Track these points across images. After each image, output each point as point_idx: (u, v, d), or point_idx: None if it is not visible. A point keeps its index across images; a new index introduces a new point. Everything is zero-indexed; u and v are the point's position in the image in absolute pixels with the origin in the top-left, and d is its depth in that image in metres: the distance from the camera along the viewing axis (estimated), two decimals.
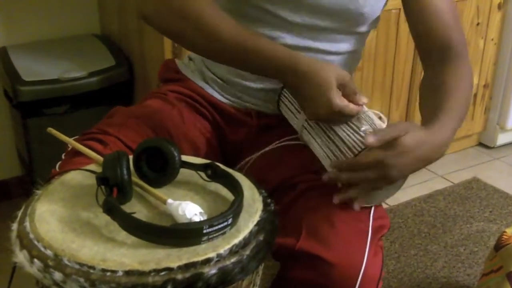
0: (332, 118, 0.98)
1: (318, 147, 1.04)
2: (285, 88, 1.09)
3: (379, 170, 0.93)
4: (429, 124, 0.98)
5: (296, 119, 1.09)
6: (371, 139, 0.91)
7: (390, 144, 0.92)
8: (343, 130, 0.99)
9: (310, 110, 0.99)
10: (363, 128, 0.98)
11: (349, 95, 0.97)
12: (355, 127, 0.99)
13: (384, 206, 1.10)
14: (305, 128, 1.07)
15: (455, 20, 1.13)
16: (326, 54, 1.13)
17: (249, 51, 0.98)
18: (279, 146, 1.15)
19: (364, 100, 0.99)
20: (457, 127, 1.01)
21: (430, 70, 1.12)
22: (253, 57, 0.99)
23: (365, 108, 1.03)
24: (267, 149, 1.15)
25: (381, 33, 2.09)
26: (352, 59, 1.20)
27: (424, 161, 0.96)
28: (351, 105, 0.96)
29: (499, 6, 2.35)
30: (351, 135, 0.98)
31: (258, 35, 1.02)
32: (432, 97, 1.06)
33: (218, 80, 1.19)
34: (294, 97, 1.04)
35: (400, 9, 2.08)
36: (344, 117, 0.97)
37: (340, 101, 0.95)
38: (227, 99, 1.20)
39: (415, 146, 0.93)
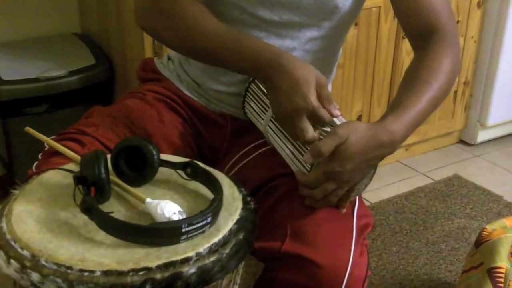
0: (299, 118, 0.92)
1: (282, 151, 1.03)
2: (257, 81, 1.06)
3: (332, 180, 0.93)
4: (381, 120, 0.97)
5: (261, 124, 1.08)
6: (308, 159, 0.92)
7: (333, 153, 0.91)
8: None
9: (283, 105, 0.93)
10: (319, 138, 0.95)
11: (323, 100, 0.95)
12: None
13: (366, 203, 1.10)
14: (268, 132, 1.06)
15: (443, 2, 1.08)
16: (304, 52, 1.12)
17: (228, 43, 0.99)
18: (256, 148, 1.14)
19: (338, 112, 0.96)
20: (416, 121, 0.98)
21: (414, 54, 1.09)
22: (232, 49, 0.98)
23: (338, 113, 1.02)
24: (244, 150, 1.14)
25: (362, 31, 2.10)
26: (330, 57, 1.19)
27: (375, 159, 0.95)
28: (324, 111, 0.93)
29: (479, 4, 2.37)
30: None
31: (236, 29, 1.01)
32: (401, 87, 1.04)
33: (193, 83, 1.19)
34: (268, 92, 0.98)
35: (380, 7, 2.09)
36: (314, 119, 0.93)
37: (315, 100, 0.92)
38: (202, 101, 1.19)
39: (359, 149, 0.92)
